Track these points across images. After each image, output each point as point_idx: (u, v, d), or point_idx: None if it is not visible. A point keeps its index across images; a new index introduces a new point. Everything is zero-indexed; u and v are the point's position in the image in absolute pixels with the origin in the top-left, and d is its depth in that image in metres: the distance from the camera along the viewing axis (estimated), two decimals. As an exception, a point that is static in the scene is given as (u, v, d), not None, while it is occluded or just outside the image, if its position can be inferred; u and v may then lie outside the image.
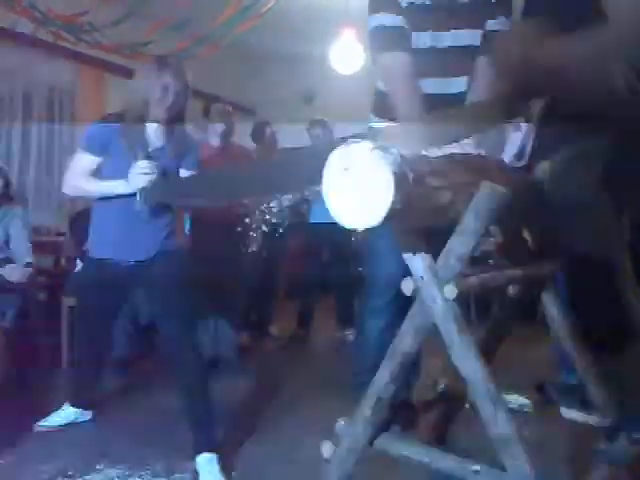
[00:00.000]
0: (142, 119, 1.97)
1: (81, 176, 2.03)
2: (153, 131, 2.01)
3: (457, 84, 1.82)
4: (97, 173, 2.04)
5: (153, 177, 1.88)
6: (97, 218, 2.14)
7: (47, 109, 4.68)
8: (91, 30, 3.91)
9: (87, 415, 2.35)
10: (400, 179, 0.98)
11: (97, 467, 1.99)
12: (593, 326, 1.68)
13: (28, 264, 3.06)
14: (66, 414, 2.31)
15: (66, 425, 2.29)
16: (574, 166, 1.57)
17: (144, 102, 1.95)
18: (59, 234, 4.41)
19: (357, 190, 0.99)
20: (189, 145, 2.12)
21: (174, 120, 2.01)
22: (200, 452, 1.92)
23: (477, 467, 1.38)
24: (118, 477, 1.94)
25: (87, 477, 1.94)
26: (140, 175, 1.88)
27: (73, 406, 2.33)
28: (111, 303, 2.25)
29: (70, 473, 1.95)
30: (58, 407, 2.33)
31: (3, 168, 3.23)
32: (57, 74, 4.67)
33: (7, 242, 3.04)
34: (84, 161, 2.03)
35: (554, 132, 1.55)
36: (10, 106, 4.39)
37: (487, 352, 1.86)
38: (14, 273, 2.91)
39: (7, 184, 3.12)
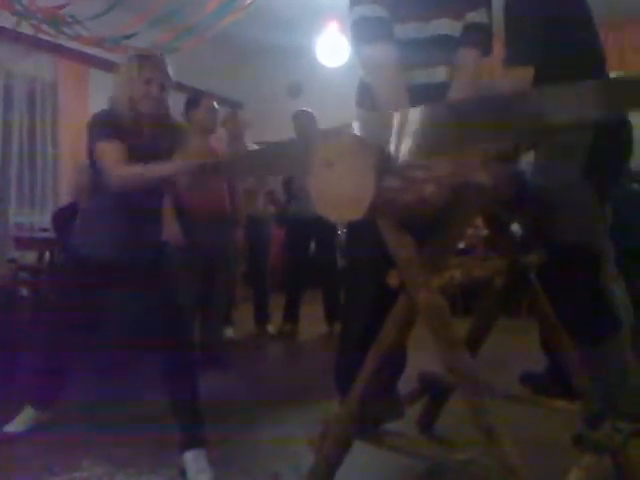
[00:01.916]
0: (128, 117, 1.93)
1: (124, 164, 1.88)
2: (141, 127, 1.97)
3: (440, 73, 1.83)
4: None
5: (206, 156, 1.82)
6: (88, 216, 2.12)
7: (28, 103, 4.62)
8: (73, 23, 3.86)
9: (47, 414, 2.29)
10: (383, 172, 0.98)
11: (83, 464, 1.98)
12: (573, 314, 1.70)
13: (11, 260, 3.02)
14: (28, 416, 2.26)
15: (30, 428, 2.23)
16: (557, 154, 1.59)
17: (129, 98, 1.92)
18: (42, 230, 4.37)
19: (340, 183, 0.99)
20: (182, 135, 2.10)
21: (161, 113, 1.99)
22: (188, 448, 1.91)
23: (464, 457, 1.40)
24: (104, 474, 1.93)
25: (75, 474, 1.93)
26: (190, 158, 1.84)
27: (34, 408, 2.27)
28: (96, 300, 2.22)
29: (56, 470, 1.94)
30: (20, 411, 2.26)
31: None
32: (38, 68, 4.60)
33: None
34: (116, 147, 1.89)
35: None
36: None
37: (473, 343, 1.87)
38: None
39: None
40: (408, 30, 1.77)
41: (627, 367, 1.68)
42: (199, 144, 2.84)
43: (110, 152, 1.88)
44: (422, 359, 2.07)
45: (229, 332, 3.95)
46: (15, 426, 2.23)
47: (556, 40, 1.70)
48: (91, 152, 1.97)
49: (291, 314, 4.20)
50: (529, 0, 1.77)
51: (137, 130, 1.96)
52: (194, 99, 3.16)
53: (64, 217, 3.40)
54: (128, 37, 3.92)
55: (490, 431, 1.25)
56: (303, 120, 4.08)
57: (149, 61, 1.95)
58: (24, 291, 3.38)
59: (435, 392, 2.07)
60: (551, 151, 1.61)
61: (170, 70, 1.99)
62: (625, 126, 1.74)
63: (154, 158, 1.90)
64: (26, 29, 3.90)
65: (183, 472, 1.88)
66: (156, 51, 2.09)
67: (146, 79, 1.92)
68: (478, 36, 1.80)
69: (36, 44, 4.25)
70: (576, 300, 1.67)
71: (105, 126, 1.93)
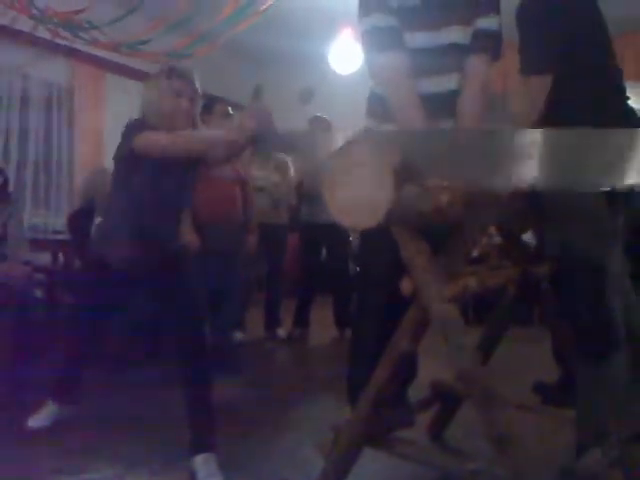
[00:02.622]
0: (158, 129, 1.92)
1: (175, 136, 1.87)
2: None
3: (449, 82, 1.83)
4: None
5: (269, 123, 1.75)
6: (109, 216, 2.12)
7: (45, 107, 4.68)
8: (89, 28, 3.90)
9: (70, 411, 2.32)
10: (399, 179, 0.98)
11: (94, 466, 1.99)
12: (575, 328, 1.66)
13: (26, 262, 3.06)
14: (51, 411, 2.30)
15: (52, 423, 2.27)
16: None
17: (158, 113, 1.92)
18: (57, 232, 4.41)
19: (356, 190, 0.99)
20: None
21: (188, 126, 1.97)
22: (198, 452, 1.92)
23: (474, 466, 1.39)
24: (116, 475, 1.94)
25: (86, 475, 1.94)
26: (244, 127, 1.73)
27: (56, 403, 2.31)
28: (114, 300, 2.22)
29: (68, 472, 1.95)
30: (43, 404, 2.31)
31: (0, 166, 3.22)
32: (55, 72, 4.66)
33: (4, 240, 3.03)
34: (161, 133, 1.87)
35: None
36: (8, 104, 4.39)
37: (485, 352, 1.87)
38: (12, 271, 2.91)
39: (5, 182, 3.11)
40: (418, 39, 1.77)
41: (622, 391, 1.62)
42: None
43: (159, 134, 1.87)
44: (433, 367, 2.07)
45: (239, 336, 3.96)
46: (36, 421, 2.25)
47: (572, 48, 1.69)
48: (125, 148, 1.93)
49: (301, 319, 4.20)
50: (544, 6, 1.76)
51: None
52: (208, 105, 3.19)
53: (79, 219, 3.43)
54: (144, 42, 3.96)
55: (501, 441, 1.24)
56: (319, 126, 4.09)
57: (177, 74, 1.94)
58: (38, 292, 3.41)
59: (446, 401, 2.07)
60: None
61: (197, 82, 1.98)
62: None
63: (182, 174, 1.94)
64: (43, 33, 3.95)
65: (193, 475, 1.89)
66: (186, 64, 2.08)
67: (176, 92, 1.91)
68: (488, 42, 1.80)
69: (53, 48, 4.31)
70: (579, 315, 1.62)
71: (143, 126, 1.92)
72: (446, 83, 1.81)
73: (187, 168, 1.99)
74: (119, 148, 1.96)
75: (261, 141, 1.75)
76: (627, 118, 1.71)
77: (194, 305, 2.05)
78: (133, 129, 1.93)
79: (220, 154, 1.92)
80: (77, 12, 3.80)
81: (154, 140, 1.85)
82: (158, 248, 2.01)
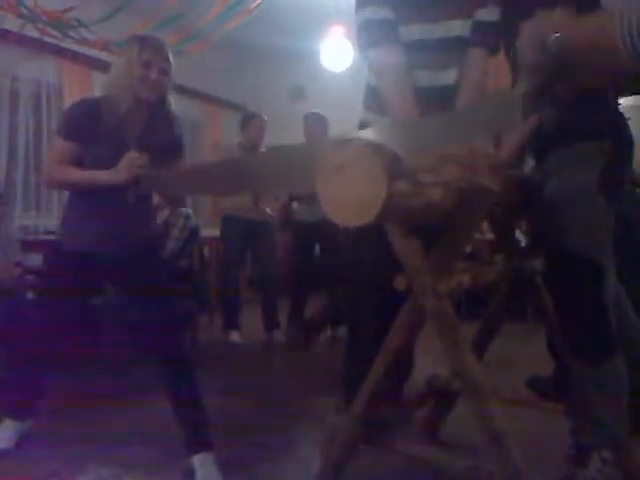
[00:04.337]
0: (124, 102, 1.86)
1: (62, 165, 1.88)
2: (138, 114, 1.90)
3: (447, 76, 1.82)
4: (78, 161, 1.90)
5: (144, 169, 1.81)
6: (73, 209, 2.01)
7: (34, 106, 4.64)
8: (78, 26, 3.87)
9: (27, 425, 2.13)
10: (392, 176, 0.98)
11: (89, 467, 1.98)
12: (571, 328, 1.62)
13: (17, 263, 3.03)
14: (9, 429, 2.10)
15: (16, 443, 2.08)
16: (574, 165, 1.56)
17: (126, 84, 1.86)
18: (48, 232, 4.38)
19: (350, 187, 0.99)
20: (175, 125, 2.02)
21: (158, 100, 1.92)
22: (195, 452, 1.91)
23: (469, 462, 1.40)
24: (111, 476, 1.93)
25: (81, 477, 1.93)
26: (131, 168, 1.80)
27: (13, 420, 2.11)
28: (84, 297, 2.15)
29: (62, 474, 1.94)
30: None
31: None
32: (44, 71, 4.62)
33: (-5, 241, 3.01)
34: (64, 149, 1.89)
35: (554, 130, 1.54)
36: (-3, 103, 4.35)
37: (478, 348, 1.87)
38: (3, 273, 2.89)
39: (-6, 183, 3.10)
40: (415, 31, 1.76)
41: (623, 394, 1.58)
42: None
43: (55, 151, 1.88)
44: (428, 363, 2.07)
45: (235, 337, 3.95)
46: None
47: None
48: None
49: (296, 318, 4.20)
50: None
51: (131, 117, 1.89)
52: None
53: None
54: (133, 41, 3.93)
55: (495, 436, 1.24)
56: (314, 122, 4.09)
57: (149, 43, 1.88)
58: (30, 294, 3.39)
59: (441, 397, 2.07)
60: (567, 161, 1.58)
61: (171, 58, 1.92)
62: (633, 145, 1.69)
63: (146, 149, 1.87)
64: (32, 32, 3.92)
65: (191, 474, 1.88)
66: (155, 36, 2.00)
67: (145, 62, 1.85)
68: (486, 34, 1.79)
69: (41, 47, 4.27)
70: (576, 314, 1.57)
71: (74, 120, 1.89)
72: (443, 77, 1.80)
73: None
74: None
75: (144, 183, 1.80)
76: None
77: (169, 295, 2.00)
78: (61, 119, 1.93)
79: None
80: (66, 11, 3.78)
81: (48, 157, 1.86)
82: (123, 238, 1.93)
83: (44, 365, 2.14)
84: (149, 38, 1.93)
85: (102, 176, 1.86)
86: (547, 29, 1.24)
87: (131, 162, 1.81)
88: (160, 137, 1.95)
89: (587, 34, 1.22)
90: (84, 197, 1.95)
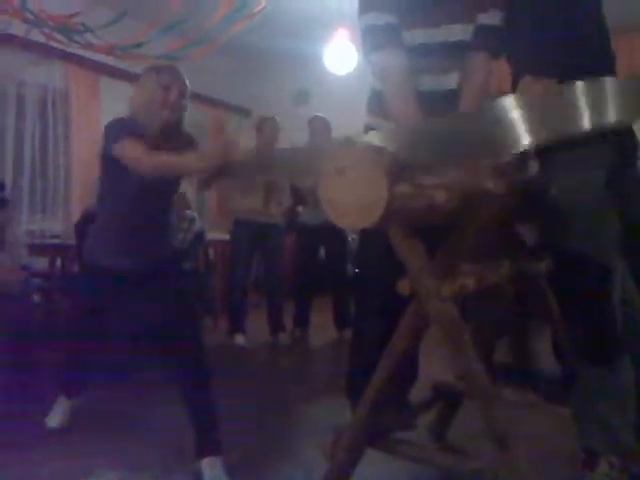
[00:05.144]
0: (155, 124, 1.96)
1: (148, 153, 1.86)
2: (161, 135, 1.99)
3: (450, 80, 1.82)
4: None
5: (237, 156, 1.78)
6: (99, 224, 2.15)
7: (40, 111, 4.67)
8: (84, 31, 3.89)
9: (80, 403, 2.39)
10: (394, 179, 0.98)
11: (97, 469, 1.98)
12: (577, 329, 1.60)
13: (23, 267, 3.05)
14: (64, 406, 2.35)
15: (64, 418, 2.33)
16: (579, 167, 1.56)
17: (146, 110, 1.96)
18: (53, 236, 4.40)
19: (352, 190, 0.99)
20: (192, 144, 2.11)
21: (176, 121, 2.02)
22: (203, 455, 1.91)
23: (476, 465, 1.39)
24: (119, 479, 1.93)
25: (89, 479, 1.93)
26: (226, 152, 1.73)
27: (67, 397, 2.36)
28: (111, 309, 2.28)
29: (70, 476, 1.94)
30: (54, 401, 2.35)
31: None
32: (49, 76, 4.65)
33: (2, 245, 3.02)
34: (140, 143, 1.88)
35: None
36: (3, 108, 4.38)
37: (485, 350, 1.86)
38: (10, 276, 2.90)
39: (2, 188, 3.11)
40: (418, 36, 1.77)
41: (630, 397, 1.56)
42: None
43: (135, 145, 1.87)
44: (434, 367, 2.07)
45: (240, 340, 3.95)
46: (54, 420, 2.31)
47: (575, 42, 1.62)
48: (105, 156, 1.97)
49: (301, 320, 4.20)
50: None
51: (156, 141, 1.96)
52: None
53: (86, 224, 3.43)
54: (138, 45, 3.95)
55: (502, 439, 1.24)
56: (318, 125, 4.10)
57: (166, 70, 2.01)
58: (36, 297, 3.41)
59: (448, 401, 2.06)
60: (572, 163, 1.57)
61: (184, 77, 2.02)
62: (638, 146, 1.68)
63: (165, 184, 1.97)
64: (37, 37, 3.95)
65: (198, 478, 1.88)
66: (180, 66, 2.15)
67: (164, 86, 1.95)
68: (489, 39, 1.78)
69: (47, 52, 4.30)
70: (582, 316, 1.56)
71: (123, 129, 1.94)
72: (446, 81, 1.80)
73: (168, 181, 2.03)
74: (103, 148, 1.98)
75: (227, 171, 1.80)
76: None
77: (186, 307, 2.06)
78: (113, 130, 1.95)
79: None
80: (71, 16, 3.80)
81: (128, 152, 1.87)
82: (144, 258, 2.03)
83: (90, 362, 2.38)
84: (165, 65, 2.08)
85: (191, 161, 1.84)
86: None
87: (227, 146, 1.75)
88: (179, 150, 1.98)
89: None
90: (113, 215, 2.05)
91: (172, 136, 2.01)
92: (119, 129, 1.95)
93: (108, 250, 2.07)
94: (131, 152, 1.87)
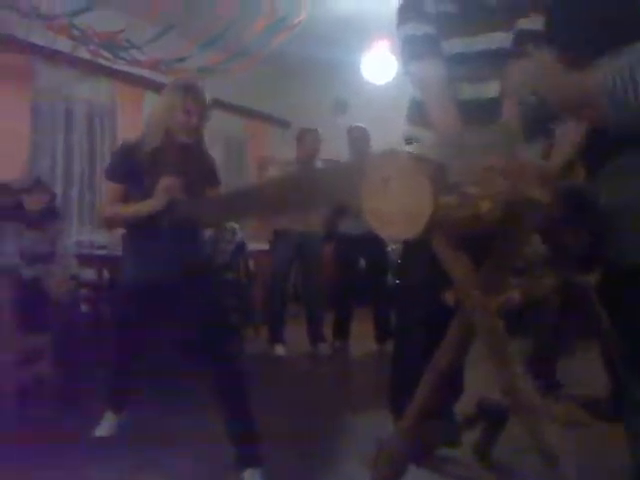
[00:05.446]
0: (158, 139, 2.02)
1: (112, 205, 2.09)
2: (173, 151, 2.04)
3: (490, 88, 1.79)
4: (126, 199, 2.09)
5: (178, 193, 1.93)
6: (127, 243, 2.25)
7: (88, 125, 4.82)
8: (129, 47, 4.00)
9: (124, 418, 2.44)
10: (438, 189, 0.96)
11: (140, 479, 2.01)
12: (633, 350, 1.54)
13: (72, 277, 3.13)
14: (111, 420, 2.41)
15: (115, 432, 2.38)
16: (631, 174, 1.50)
17: (163, 126, 2.01)
18: (101, 247, 4.51)
19: (396, 201, 0.98)
20: (210, 163, 2.17)
21: (197, 141, 2.07)
22: (245, 467, 1.91)
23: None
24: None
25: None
26: (166, 192, 1.93)
27: (113, 412, 2.42)
28: (147, 319, 2.32)
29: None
30: (102, 415, 2.40)
31: (48, 184, 3.32)
32: (96, 91, 4.80)
33: (52, 255, 3.12)
34: (111, 190, 2.10)
35: (605, 141, 1.49)
36: (52, 125, 4.53)
37: (536, 365, 1.81)
38: (60, 287, 2.98)
39: (52, 199, 3.21)
40: (456, 45, 1.76)
41: None
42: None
43: (106, 192, 2.08)
44: (480, 382, 2.01)
45: (280, 350, 3.95)
46: (103, 430, 2.37)
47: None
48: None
49: (341, 331, 4.18)
50: None
51: (166, 160, 2.02)
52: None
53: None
54: (182, 60, 4.04)
55: (550, 458, 1.20)
56: (357, 135, 4.10)
57: (192, 92, 2.01)
58: (84, 307, 3.50)
59: (493, 418, 2.01)
60: (624, 170, 1.52)
61: (207, 98, 2.05)
62: None
63: (181, 179, 1.99)
64: (83, 54, 4.08)
65: None
66: (198, 80, 2.17)
67: (187, 110, 1.98)
68: (530, 45, 1.76)
69: (93, 68, 4.43)
70: (636, 331, 1.52)
71: (116, 163, 2.09)
72: (486, 89, 1.79)
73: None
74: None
75: (180, 209, 1.88)
76: None
77: (222, 317, 2.09)
78: (110, 159, 2.16)
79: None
80: (117, 32, 3.91)
81: (98, 207, 2.01)
82: (176, 268, 2.04)
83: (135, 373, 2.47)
84: (192, 87, 2.05)
85: (143, 207, 2.00)
86: (529, 78, 1.24)
87: (166, 186, 1.94)
88: (194, 169, 2.06)
89: (567, 93, 1.20)
90: (136, 232, 2.12)
91: (190, 157, 2.05)
92: (112, 163, 2.12)
93: (136, 262, 2.13)
94: (101, 201, 1.99)
